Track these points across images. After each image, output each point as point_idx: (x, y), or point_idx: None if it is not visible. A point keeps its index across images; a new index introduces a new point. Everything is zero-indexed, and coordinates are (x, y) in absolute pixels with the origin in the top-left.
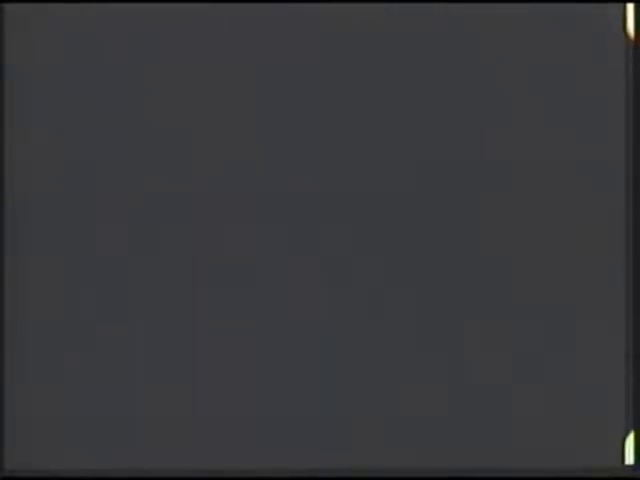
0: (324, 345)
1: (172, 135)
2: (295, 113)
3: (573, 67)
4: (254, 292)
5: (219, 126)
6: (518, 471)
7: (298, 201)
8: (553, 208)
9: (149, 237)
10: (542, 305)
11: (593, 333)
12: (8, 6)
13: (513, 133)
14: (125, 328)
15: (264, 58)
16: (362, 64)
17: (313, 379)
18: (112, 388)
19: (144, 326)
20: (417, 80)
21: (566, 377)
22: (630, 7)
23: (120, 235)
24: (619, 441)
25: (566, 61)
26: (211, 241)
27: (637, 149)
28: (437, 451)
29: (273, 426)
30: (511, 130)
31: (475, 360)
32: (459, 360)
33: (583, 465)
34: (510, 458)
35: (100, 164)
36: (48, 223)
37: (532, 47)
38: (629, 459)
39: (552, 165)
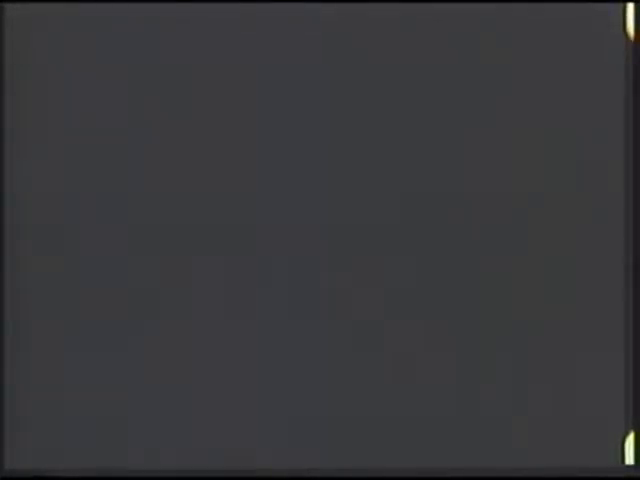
0: (323, 345)
1: (172, 136)
2: (295, 114)
3: (573, 67)
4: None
5: (219, 127)
6: (518, 471)
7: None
8: (553, 208)
9: (149, 237)
10: (542, 305)
11: (593, 333)
12: (8, 6)
13: (513, 133)
14: (124, 328)
15: (264, 58)
16: (362, 64)
17: (312, 379)
18: (112, 388)
19: (143, 325)
20: (417, 80)
21: (566, 377)
22: (630, 7)
23: (120, 235)
24: (619, 441)
25: (566, 61)
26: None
27: (637, 149)
28: (437, 451)
29: (273, 426)
30: (511, 130)
31: (475, 360)
32: (459, 360)
33: (583, 465)
34: (510, 458)
35: (100, 164)
36: (48, 223)
37: (532, 47)
38: (629, 459)
39: (552, 165)
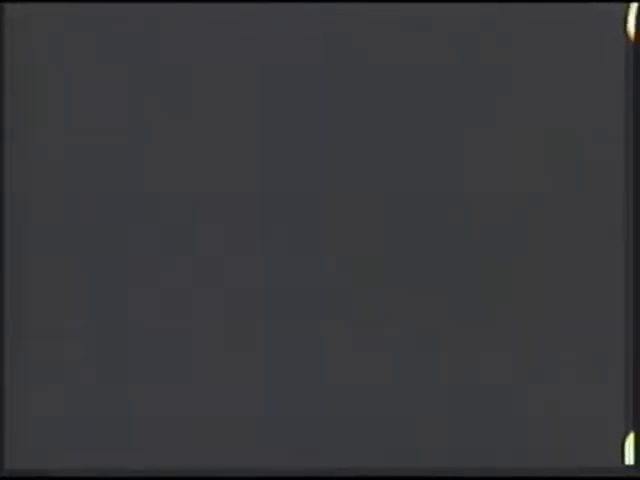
0: (323, 345)
1: (172, 136)
2: (295, 114)
3: (573, 67)
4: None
5: (219, 127)
6: (518, 471)
7: (300, 202)
8: (553, 208)
9: (150, 237)
10: (542, 304)
11: (593, 333)
12: (8, 6)
13: (513, 132)
14: (125, 327)
15: (264, 58)
16: (362, 64)
17: (313, 378)
18: (112, 388)
19: (144, 325)
20: (417, 79)
21: (566, 377)
22: (630, 7)
23: (121, 235)
24: (619, 441)
25: (566, 61)
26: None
27: (637, 149)
28: (437, 451)
29: (273, 426)
30: (511, 129)
31: (476, 359)
32: (460, 360)
33: (583, 465)
34: (510, 458)
35: (100, 164)
36: (48, 223)
37: (532, 47)
38: (629, 459)
39: (552, 165)
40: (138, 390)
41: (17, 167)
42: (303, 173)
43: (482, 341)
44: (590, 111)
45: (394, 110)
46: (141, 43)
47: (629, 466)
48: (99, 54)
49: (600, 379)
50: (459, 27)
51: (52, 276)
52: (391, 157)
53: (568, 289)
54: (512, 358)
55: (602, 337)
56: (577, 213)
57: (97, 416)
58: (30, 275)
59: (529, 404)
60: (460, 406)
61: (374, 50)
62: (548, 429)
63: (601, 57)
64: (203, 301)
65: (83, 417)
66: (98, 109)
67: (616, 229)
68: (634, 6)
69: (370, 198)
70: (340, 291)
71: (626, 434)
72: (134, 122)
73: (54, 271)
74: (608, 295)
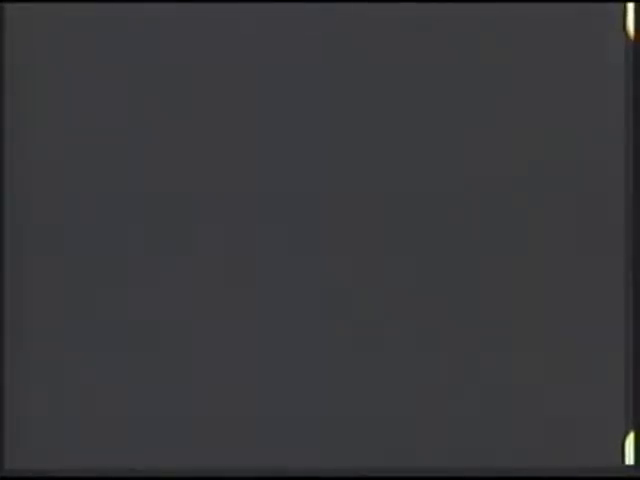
0: (323, 345)
1: (173, 136)
2: (295, 114)
3: (573, 67)
4: (254, 292)
5: (220, 126)
6: (518, 471)
7: (300, 201)
8: (553, 209)
9: (151, 237)
10: (542, 304)
11: (593, 333)
12: (8, 6)
13: (513, 132)
14: (125, 327)
15: (264, 58)
16: (362, 63)
17: (313, 378)
18: (112, 388)
19: (144, 324)
20: (417, 79)
21: (566, 377)
22: (630, 7)
23: (121, 235)
24: (619, 441)
25: (566, 61)
26: (212, 241)
27: (637, 149)
28: (438, 451)
29: (273, 426)
30: (511, 129)
31: (475, 359)
32: (460, 359)
33: (583, 465)
34: (510, 458)
35: (100, 164)
36: (48, 223)
37: (532, 47)
38: (629, 459)
39: (551, 165)
40: (138, 390)
41: (17, 167)
42: (303, 173)
43: (481, 341)
44: (590, 110)
45: (394, 110)
46: (141, 43)
47: (629, 466)
48: (99, 54)
49: (600, 379)
50: (459, 27)
51: (52, 276)
52: (391, 157)
53: (568, 289)
54: (512, 358)
55: (602, 337)
56: (576, 212)
57: (97, 416)
58: (30, 275)
59: (529, 404)
60: (459, 406)
61: (374, 50)
62: (548, 429)
63: (601, 56)
64: (203, 301)
65: (83, 417)
66: (98, 109)
67: (616, 229)
68: (633, 6)
69: (370, 198)
70: (340, 291)
71: (626, 434)
72: (134, 122)
73: (54, 271)
74: (608, 295)
